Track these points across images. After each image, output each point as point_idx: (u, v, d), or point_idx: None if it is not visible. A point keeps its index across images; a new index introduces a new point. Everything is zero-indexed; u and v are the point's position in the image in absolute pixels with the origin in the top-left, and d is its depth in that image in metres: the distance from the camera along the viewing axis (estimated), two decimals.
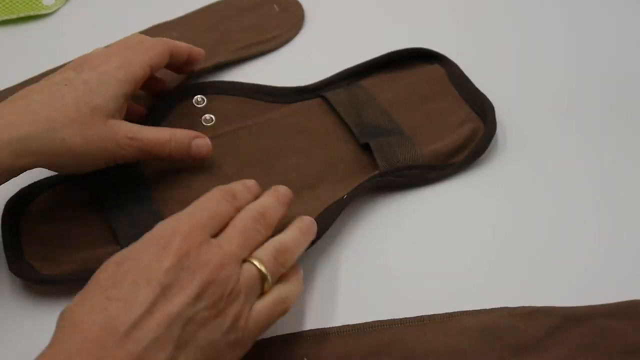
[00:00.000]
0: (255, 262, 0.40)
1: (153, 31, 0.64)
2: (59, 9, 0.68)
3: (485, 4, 0.67)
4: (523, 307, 0.44)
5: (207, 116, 0.55)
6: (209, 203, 0.42)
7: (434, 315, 0.44)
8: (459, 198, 0.51)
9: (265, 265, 0.40)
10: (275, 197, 0.45)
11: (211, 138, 0.52)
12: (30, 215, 0.50)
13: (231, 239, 0.40)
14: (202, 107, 0.56)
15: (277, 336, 0.44)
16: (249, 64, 0.62)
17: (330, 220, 0.47)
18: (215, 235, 0.40)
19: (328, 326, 0.44)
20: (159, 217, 0.48)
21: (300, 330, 0.44)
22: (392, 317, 0.44)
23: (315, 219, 0.45)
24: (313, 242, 0.45)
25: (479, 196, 0.52)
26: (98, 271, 0.38)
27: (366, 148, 0.52)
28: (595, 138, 0.55)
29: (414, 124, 0.54)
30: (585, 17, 0.65)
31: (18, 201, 0.50)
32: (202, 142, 0.51)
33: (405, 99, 0.56)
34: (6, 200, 0.49)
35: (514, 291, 0.46)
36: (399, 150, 0.51)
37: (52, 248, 0.48)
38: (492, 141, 0.53)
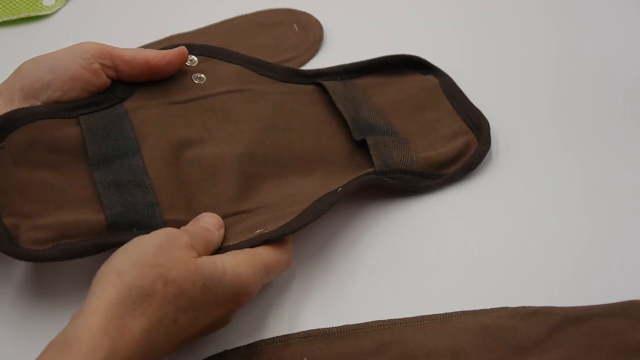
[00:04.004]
0: None
1: (166, 42, 0.63)
2: (59, 9, 0.68)
3: (485, 20, 0.67)
4: (523, 307, 0.44)
5: (198, 74, 0.53)
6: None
7: (434, 315, 0.44)
8: (458, 202, 0.52)
9: None
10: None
11: (201, 97, 0.50)
12: (7, 152, 0.45)
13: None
14: (194, 67, 0.53)
15: (277, 336, 0.44)
16: None
17: (321, 211, 0.45)
18: None
19: (328, 326, 0.44)
20: (146, 187, 0.46)
21: (300, 330, 0.44)
22: (392, 317, 0.44)
23: (307, 208, 0.45)
24: (305, 225, 0.44)
25: (478, 199, 0.52)
26: (190, 281, 0.38)
27: (360, 145, 0.51)
28: (587, 147, 0.55)
29: (407, 131, 0.54)
30: (580, 32, 0.65)
31: None
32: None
33: (397, 105, 0.56)
34: None
35: (514, 291, 0.46)
36: (394, 151, 0.51)
37: (31, 202, 0.44)
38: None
